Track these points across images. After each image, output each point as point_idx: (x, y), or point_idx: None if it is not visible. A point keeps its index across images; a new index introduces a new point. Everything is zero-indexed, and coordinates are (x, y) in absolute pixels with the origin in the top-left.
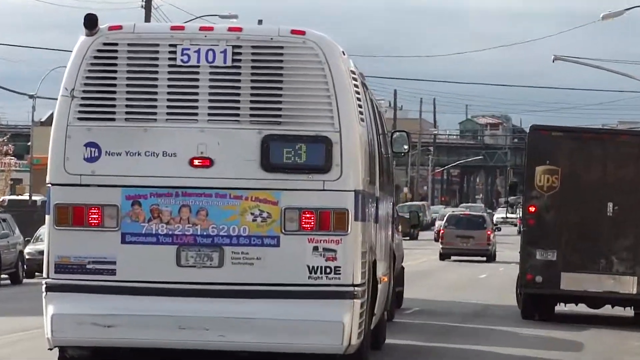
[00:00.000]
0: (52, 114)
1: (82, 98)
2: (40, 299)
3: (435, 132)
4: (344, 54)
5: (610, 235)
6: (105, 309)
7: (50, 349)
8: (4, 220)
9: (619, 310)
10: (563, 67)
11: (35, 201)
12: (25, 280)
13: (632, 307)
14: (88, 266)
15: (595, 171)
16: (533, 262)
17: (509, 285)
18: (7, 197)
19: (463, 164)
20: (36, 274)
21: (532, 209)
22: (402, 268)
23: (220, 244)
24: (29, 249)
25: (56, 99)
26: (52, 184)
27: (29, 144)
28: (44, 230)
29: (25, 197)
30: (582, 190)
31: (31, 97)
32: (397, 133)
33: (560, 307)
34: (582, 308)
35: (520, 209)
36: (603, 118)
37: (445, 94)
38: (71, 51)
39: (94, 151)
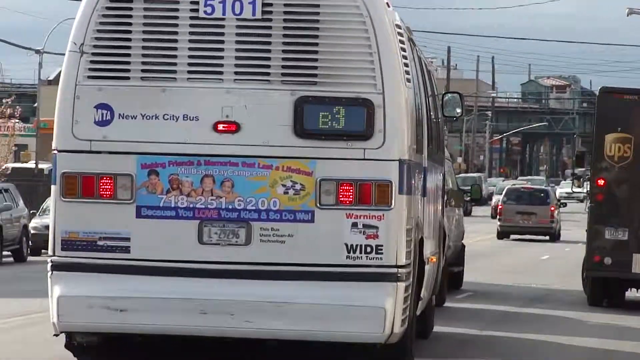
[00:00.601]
0: (60, 72)
1: (93, 54)
2: (45, 279)
3: (494, 94)
4: (388, 6)
5: None
6: (118, 290)
7: (57, 335)
8: (6, 190)
9: None
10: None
11: (42, 170)
12: (29, 258)
13: None
14: (99, 242)
15: None
16: (601, 242)
17: (574, 267)
18: (11, 165)
19: (525, 130)
20: (42, 251)
21: (600, 182)
22: (463, 246)
23: (247, 219)
24: (34, 222)
25: (65, 54)
26: (59, 151)
27: (35, 105)
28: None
29: (31, 164)
30: None
31: (37, 52)
32: (449, 95)
33: (632, 293)
34: None
35: (588, 182)
36: None
37: (506, 51)
38: (81, 0)
39: (106, 114)
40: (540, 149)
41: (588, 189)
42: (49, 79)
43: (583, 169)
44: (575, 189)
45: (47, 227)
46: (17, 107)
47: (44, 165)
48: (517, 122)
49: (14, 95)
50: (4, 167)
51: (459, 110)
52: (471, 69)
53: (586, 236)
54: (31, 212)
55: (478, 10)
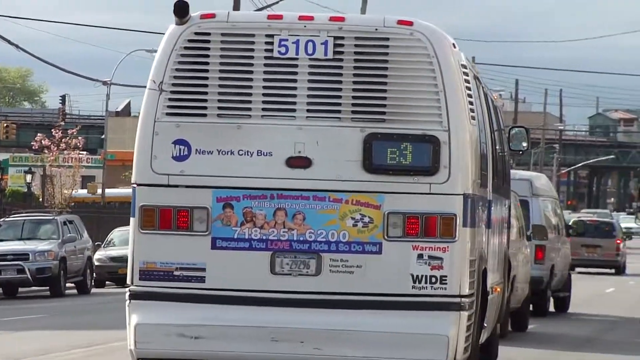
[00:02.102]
0: (129, 103)
1: (172, 92)
2: (110, 311)
3: (562, 127)
4: (454, 47)
5: None
6: (193, 318)
7: None
8: (71, 222)
9: None
10: None
11: (109, 201)
12: (93, 290)
13: None
14: (175, 272)
15: None
16: None
17: (571, 320)
18: (77, 194)
19: (592, 164)
20: (106, 282)
21: None
22: (570, 274)
23: (317, 250)
24: (98, 254)
25: (133, 86)
26: (138, 184)
27: (103, 136)
28: (117, 234)
29: (97, 196)
30: None
31: (105, 83)
32: (516, 129)
33: None
34: None
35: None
36: None
37: (574, 84)
38: (151, 32)
39: (183, 149)
40: (607, 182)
41: None
42: (116, 110)
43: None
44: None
45: (111, 258)
46: (80, 137)
47: (111, 192)
48: (584, 155)
49: (79, 125)
50: (68, 198)
51: (525, 144)
52: (539, 102)
53: None
54: (96, 243)
55: (547, 43)
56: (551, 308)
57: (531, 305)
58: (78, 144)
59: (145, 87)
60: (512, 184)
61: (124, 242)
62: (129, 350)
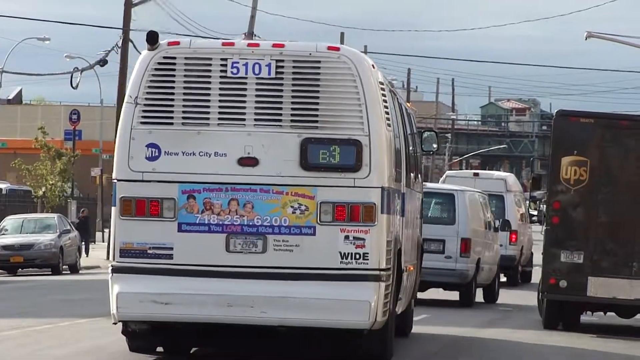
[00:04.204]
0: (20, 91)
1: (145, 105)
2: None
3: (454, 117)
4: (373, 67)
5: None
6: (163, 288)
7: (115, 323)
8: None
9: None
10: (599, 46)
11: (0, 189)
12: None
13: None
14: (149, 251)
15: (629, 163)
16: (557, 265)
17: (533, 290)
18: None
19: (484, 153)
20: None
21: (556, 205)
22: (532, 253)
23: (264, 232)
24: None
25: (24, 74)
26: (118, 180)
27: None
28: (9, 222)
29: None
30: (613, 184)
31: None
32: (427, 133)
33: (587, 316)
34: (611, 317)
35: (545, 205)
36: None
37: (466, 74)
38: (43, 20)
39: (155, 151)
40: (500, 171)
41: (544, 212)
42: (8, 98)
43: (542, 192)
44: (532, 211)
45: (4, 247)
46: None
47: (2, 185)
48: (476, 145)
49: None
50: None
51: (435, 146)
52: (431, 91)
53: (542, 258)
54: None
55: (438, 33)
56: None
57: (505, 278)
58: None
59: (37, 74)
60: (491, 182)
61: (16, 229)
62: (112, 314)
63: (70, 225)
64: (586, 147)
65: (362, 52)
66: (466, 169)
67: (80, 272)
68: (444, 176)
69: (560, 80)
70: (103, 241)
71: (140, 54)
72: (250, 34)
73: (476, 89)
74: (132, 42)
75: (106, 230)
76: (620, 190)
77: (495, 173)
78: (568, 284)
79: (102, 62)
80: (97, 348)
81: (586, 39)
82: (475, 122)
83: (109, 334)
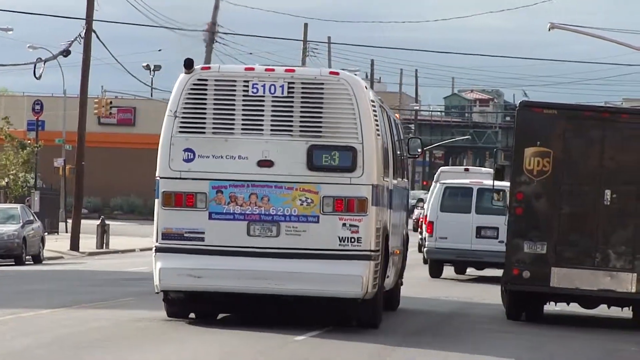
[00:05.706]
0: None
1: (182, 117)
2: None
3: (417, 107)
4: (366, 88)
5: (607, 226)
6: (196, 264)
7: (157, 293)
8: None
9: (615, 311)
10: (563, 37)
11: None
12: None
13: (630, 308)
14: (185, 235)
15: (592, 154)
16: (520, 256)
17: (496, 281)
18: None
19: (448, 144)
20: None
21: (519, 195)
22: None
23: (277, 220)
24: None
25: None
26: (160, 177)
27: None
28: None
29: None
30: (576, 175)
31: None
32: (412, 139)
33: (550, 307)
34: (574, 308)
35: (507, 196)
36: (606, 95)
37: (430, 65)
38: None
39: (190, 154)
40: (463, 162)
41: (507, 202)
42: None
43: (505, 183)
44: (496, 202)
45: None
46: None
47: None
48: (440, 136)
49: None
50: None
51: (419, 150)
52: (395, 82)
53: (505, 249)
54: None
55: (402, 24)
56: None
57: None
58: None
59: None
60: (481, 176)
61: None
62: (155, 285)
63: (33, 215)
64: (549, 138)
65: (325, 42)
66: (430, 160)
67: (43, 262)
68: (439, 171)
69: (524, 71)
70: (67, 232)
71: (105, 46)
72: (213, 24)
73: (440, 80)
74: (95, 32)
75: (69, 221)
76: (584, 181)
77: (483, 168)
78: (531, 274)
79: (66, 53)
80: (59, 338)
81: (549, 30)
82: (439, 113)
83: (71, 325)
